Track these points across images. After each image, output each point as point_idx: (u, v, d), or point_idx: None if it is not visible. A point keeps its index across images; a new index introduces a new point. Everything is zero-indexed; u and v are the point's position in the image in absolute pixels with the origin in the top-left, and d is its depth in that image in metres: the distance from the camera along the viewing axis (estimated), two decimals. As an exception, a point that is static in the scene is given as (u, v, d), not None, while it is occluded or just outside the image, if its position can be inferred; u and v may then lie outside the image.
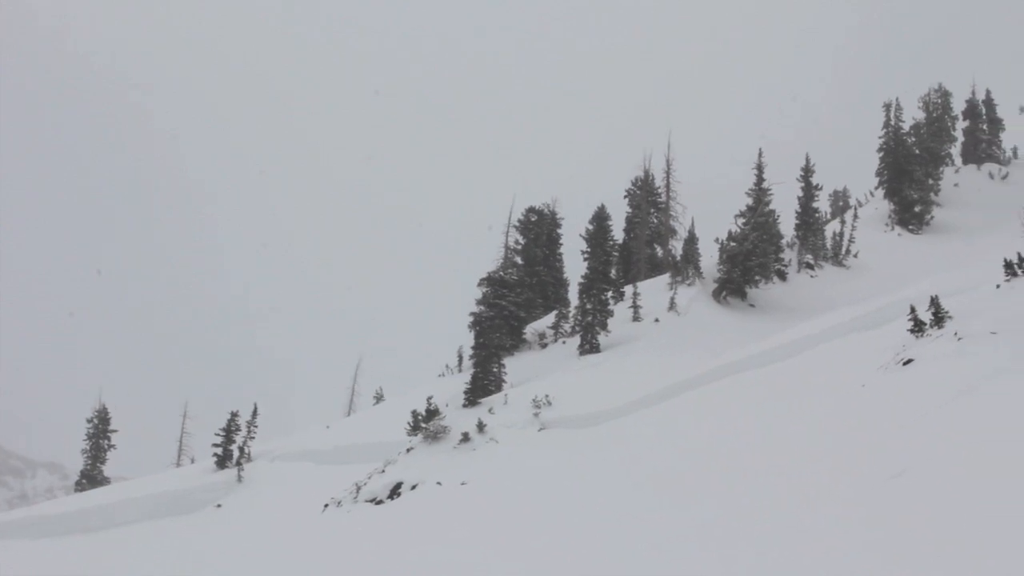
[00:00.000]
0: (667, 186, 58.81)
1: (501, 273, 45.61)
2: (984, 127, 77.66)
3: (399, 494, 25.84)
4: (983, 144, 76.75)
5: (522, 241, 53.37)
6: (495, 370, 36.96)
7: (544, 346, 44.39)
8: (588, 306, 40.63)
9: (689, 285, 46.11)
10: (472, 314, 40.04)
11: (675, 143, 60.27)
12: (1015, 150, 77.84)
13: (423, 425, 29.69)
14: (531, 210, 53.78)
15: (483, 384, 36.11)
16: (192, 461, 48.02)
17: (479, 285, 43.74)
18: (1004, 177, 69.23)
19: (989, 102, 78.11)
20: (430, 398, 31.29)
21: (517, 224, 53.51)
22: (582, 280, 46.22)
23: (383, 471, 27.79)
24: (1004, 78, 76.35)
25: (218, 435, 35.14)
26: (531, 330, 46.42)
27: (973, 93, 78.04)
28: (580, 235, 51.41)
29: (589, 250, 49.96)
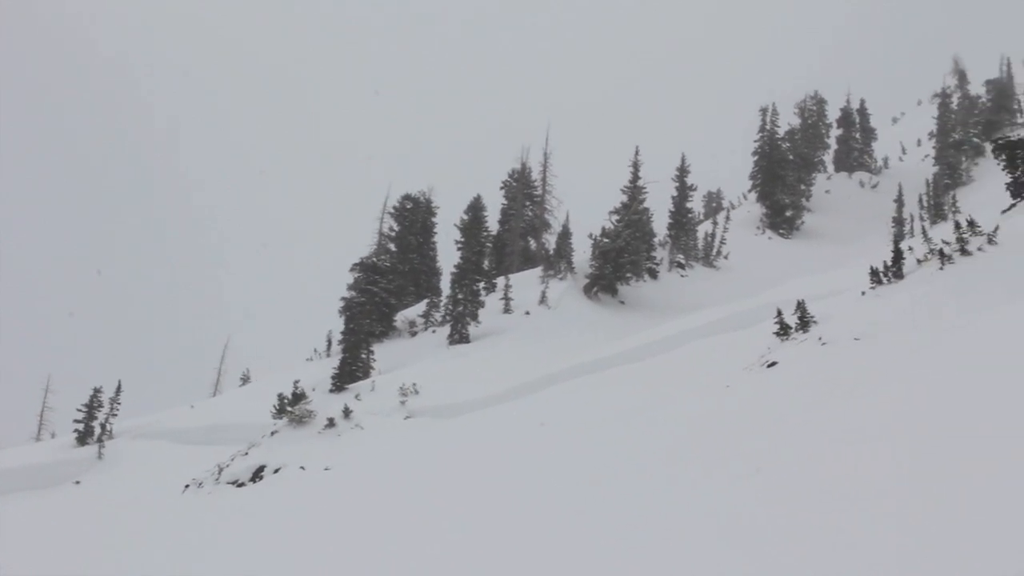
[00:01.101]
0: (543, 179, 59.30)
1: (374, 259, 45.51)
2: (857, 135, 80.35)
3: (261, 477, 25.61)
4: (855, 152, 79.39)
5: (396, 228, 53.29)
6: (364, 356, 36.91)
7: (414, 334, 44.39)
8: (460, 296, 40.83)
9: (561, 279, 46.61)
10: (343, 299, 39.90)
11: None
12: (886, 160, 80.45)
13: (289, 409, 29.45)
14: (407, 197, 53.78)
15: (351, 370, 36.03)
16: (52, 436, 46.68)
17: (351, 270, 43.59)
18: (874, 186, 71.70)
19: (863, 111, 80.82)
20: (297, 381, 31.03)
21: (392, 211, 53.41)
22: (455, 270, 46.42)
23: (246, 453, 27.48)
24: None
25: (80, 411, 34.19)
26: (402, 317, 46.39)
27: (848, 102, 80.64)
28: (455, 224, 51.55)
29: (463, 240, 50.12)
